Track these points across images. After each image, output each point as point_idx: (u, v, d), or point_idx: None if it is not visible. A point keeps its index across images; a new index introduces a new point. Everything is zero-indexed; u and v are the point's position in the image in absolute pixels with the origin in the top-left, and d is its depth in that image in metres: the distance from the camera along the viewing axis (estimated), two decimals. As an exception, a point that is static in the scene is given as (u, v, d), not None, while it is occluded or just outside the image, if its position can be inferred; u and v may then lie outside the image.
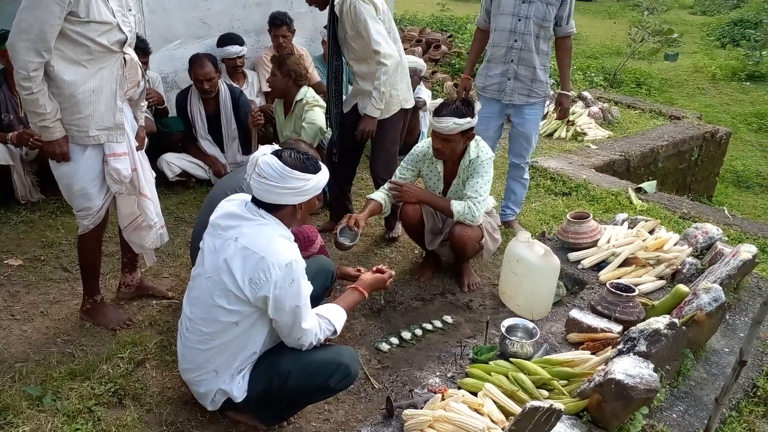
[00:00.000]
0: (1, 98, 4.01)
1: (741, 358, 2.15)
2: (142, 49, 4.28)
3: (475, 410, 2.38)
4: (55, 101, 2.54)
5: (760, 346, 3.11)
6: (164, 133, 4.58)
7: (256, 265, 2.08)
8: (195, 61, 4.49)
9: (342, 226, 3.24)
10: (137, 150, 2.90)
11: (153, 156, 4.48)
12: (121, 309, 3.14)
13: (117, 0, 2.63)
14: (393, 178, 3.60)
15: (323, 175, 2.22)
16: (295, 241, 2.26)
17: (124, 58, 2.67)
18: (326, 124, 4.10)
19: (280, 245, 2.13)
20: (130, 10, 2.72)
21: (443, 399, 2.45)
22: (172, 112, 4.80)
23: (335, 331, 2.33)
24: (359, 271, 3.03)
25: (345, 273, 3.08)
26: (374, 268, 2.71)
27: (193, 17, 5.03)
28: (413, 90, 5.34)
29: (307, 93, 4.29)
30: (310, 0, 3.70)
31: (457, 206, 3.35)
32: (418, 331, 3.19)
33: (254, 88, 5.20)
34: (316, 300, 2.53)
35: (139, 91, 2.88)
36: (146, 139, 3.11)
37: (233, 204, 2.28)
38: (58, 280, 3.35)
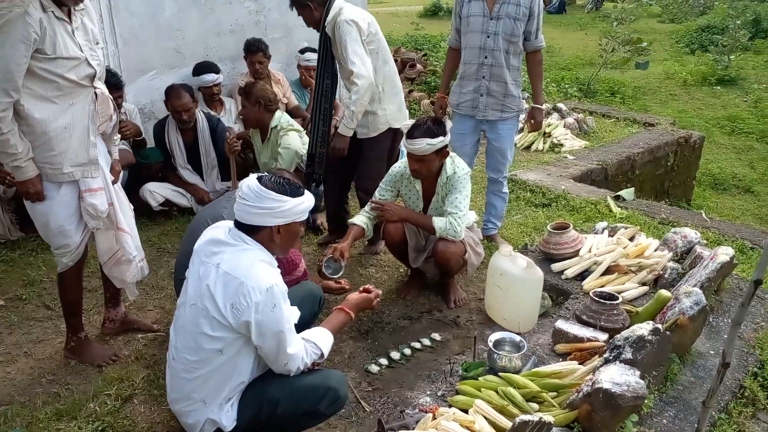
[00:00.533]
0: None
1: (724, 361, 2.18)
2: (114, 83, 4.28)
3: (467, 428, 2.38)
4: (26, 140, 2.51)
5: (744, 347, 3.15)
6: (143, 164, 4.57)
7: (237, 290, 2.09)
8: (171, 92, 4.50)
9: (327, 257, 3.26)
10: (113, 184, 2.88)
11: (134, 187, 4.48)
12: (106, 344, 3.11)
13: (84, 34, 2.62)
14: (373, 198, 3.62)
15: (303, 201, 2.22)
16: (279, 266, 2.27)
17: (95, 92, 2.66)
18: (304, 147, 4.14)
19: (260, 270, 2.13)
20: (97, 43, 2.70)
21: (434, 418, 2.45)
22: (150, 142, 4.80)
23: (322, 355, 2.32)
24: (339, 283, 3.03)
25: (326, 286, 3.07)
26: (361, 288, 2.71)
27: (167, 47, 5.06)
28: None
29: (281, 118, 4.31)
30: (308, 21, 3.79)
31: (438, 222, 3.38)
32: (407, 351, 3.19)
33: (232, 115, 5.23)
34: (304, 325, 2.52)
35: (111, 125, 2.86)
36: (121, 172, 3.07)
37: (218, 230, 2.30)
38: (41, 318, 3.31)
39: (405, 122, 3.97)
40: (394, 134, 4.00)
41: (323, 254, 3.29)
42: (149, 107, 5.13)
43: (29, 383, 2.81)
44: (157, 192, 4.48)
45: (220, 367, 2.20)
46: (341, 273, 3.27)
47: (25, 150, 2.51)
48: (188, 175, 4.70)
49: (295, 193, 2.21)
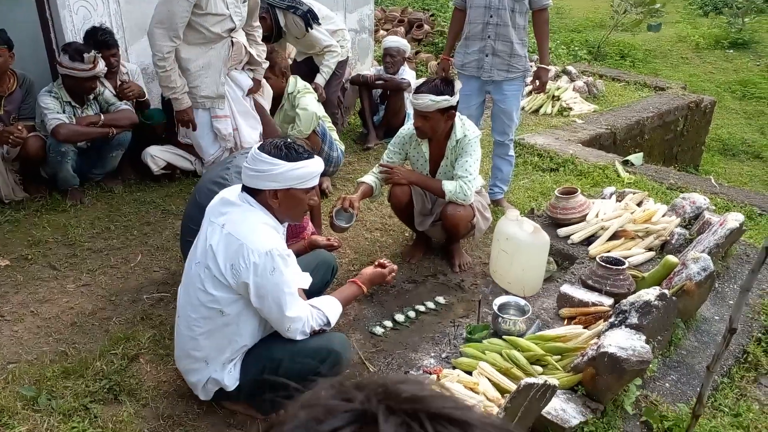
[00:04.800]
0: (-23, 98, 3.95)
1: (731, 326, 2.17)
2: (105, 41, 4.20)
3: (471, 389, 2.40)
4: (183, 78, 3.26)
5: (749, 313, 3.14)
6: (147, 125, 4.52)
7: (237, 251, 2.10)
8: None
9: (337, 209, 3.25)
10: (252, 93, 3.65)
11: (137, 149, 4.44)
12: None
13: None
14: (381, 161, 3.59)
15: (299, 166, 2.15)
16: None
17: (231, 41, 3.35)
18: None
19: (261, 233, 2.13)
20: (244, 2, 3.33)
21: (438, 380, 2.47)
22: (155, 103, 4.74)
23: (328, 323, 2.32)
24: (328, 239, 3.00)
25: (314, 242, 2.98)
26: (376, 262, 2.69)
27: (170, 6, 4.95)
28: (397, 71, 5.34)
29: (297, 83, 4.24)
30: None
31: (448, 186, 3.34)
32: (412, 313, 3.20)
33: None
34: (316, 293, 2.53)
35: (241, 65, 3.62)
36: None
37: (230, 191, 2.31)
38: (47, 278, 3.32)
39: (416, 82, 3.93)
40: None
41: (333, 206, 3.27)
42: (152, 68, 5.03)
43: (36, 342, 2.84)
44: (158, 156, 4.43)
45: (221, 328, 2.21)
46: (353, 222, 3.26)
47: (182, 85, 3.31)
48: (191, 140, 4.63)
49: (292, 158, 2.15)
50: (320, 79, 4.73)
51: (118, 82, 4.41)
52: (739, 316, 2.15)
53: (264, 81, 4.00)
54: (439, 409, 0.49)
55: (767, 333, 3.05)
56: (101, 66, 4.04)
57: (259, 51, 3.83)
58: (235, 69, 3.61)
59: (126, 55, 4.75)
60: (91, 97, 4.17)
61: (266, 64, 3.92)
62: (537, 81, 4.14)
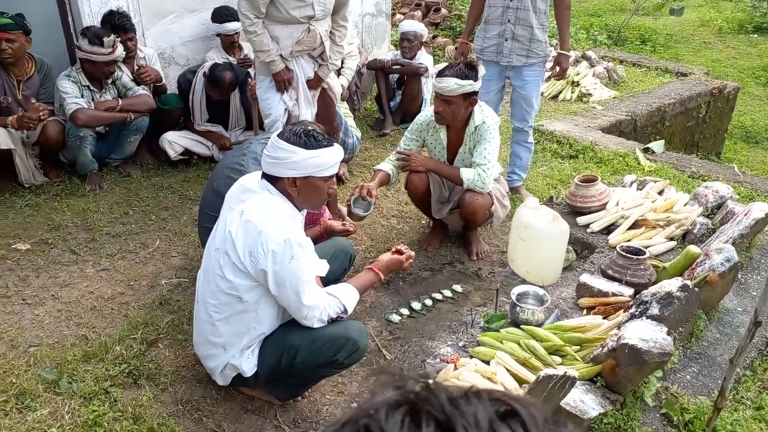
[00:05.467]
0: (-3, 82, 3.97)
1: (756, 319, 2.13)
2: (122, 25, 4.19)
3: (488, 379, 2.39)
4: (275, 42, 3.48)
5: (772, 304, 3.08)
6: (164, 110, 4.52)
7: (255, 238, 2.10)
8: (212, 84, 4.35)
9: (355, 197, 3.23)
10: (310, 87, 3.78)
11: (155, 134, 4.45)
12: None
13: None
14: (398, 148, 3.56)
15: (317, 154, 2.13)
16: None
17: (309, 27, 3.51)
18: None
19: (280, 221, 2.13)
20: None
21: (456, 369, 2.46)
22: (171, 88, 4.74)
23: (345, 310, 2.31)
24: (344, 224, 3.00)
25: (329, 228, 2.99)
26: (393, 249, 2.66)
27: (186, -11, 4.93)
28: (414, 56, 5.29)
29: None
30: None
31: (466, 174, 3.31)
32: (428, 302, 3.19)
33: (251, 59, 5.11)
34: (334, 280, 2.52)
35: (317, 52, 3.71)
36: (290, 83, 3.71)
37: (250, 178, 2.30)
38: (67, 262, 3.35)
39: (435, 67, 3.90)
40: None
41: (350, 194, 3.25)
42: (169, 52, 5.04)
43: (57, 326, 2.87)
44: (175, 142, 4.43)
45: (239, 314, 2.21)
46: (370, 210, 3.26)
47: (274, 49, 3.50)
48: (208, 126, 4.63)
49: (311, 146, 2.13)
50: (344, 81, 4.67)
51: (135, 67, 4.41)
52: (765, 309, 2.11)
53: (336, 83, 4.01)
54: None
55: (791, 325, 2.99)
56: (120, 50, 4.04)
57: (335, 51, 3.80)
58: (308, 54, 3.69)
59: (143, 40, 4.75)
60: (109, 81, 4.18)
61: (335, 66, 3.93)
62: (557, 67, 4.07)
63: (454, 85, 3.13)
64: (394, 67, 5.30)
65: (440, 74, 3.20)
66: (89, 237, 3.59)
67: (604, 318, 2.77)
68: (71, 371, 2.55)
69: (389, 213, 4.07)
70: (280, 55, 3.55)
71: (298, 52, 3.60)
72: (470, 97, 3.22)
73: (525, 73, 3.95)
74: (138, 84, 4.33)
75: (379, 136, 5.26)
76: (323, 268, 2.42)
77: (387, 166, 3.48)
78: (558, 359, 2.53)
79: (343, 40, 3.86)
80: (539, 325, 2.77)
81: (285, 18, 3.46)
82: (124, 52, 4.14)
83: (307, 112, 3.81)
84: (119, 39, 4.08)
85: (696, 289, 2.67)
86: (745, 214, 3.22)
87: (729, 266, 2.76)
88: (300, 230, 2.23)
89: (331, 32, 3.75)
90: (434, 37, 7.56)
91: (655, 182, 3.91)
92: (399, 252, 2.63)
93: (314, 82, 3.81)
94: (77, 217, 3.77)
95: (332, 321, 2.31)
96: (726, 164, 5.84)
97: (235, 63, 4.72)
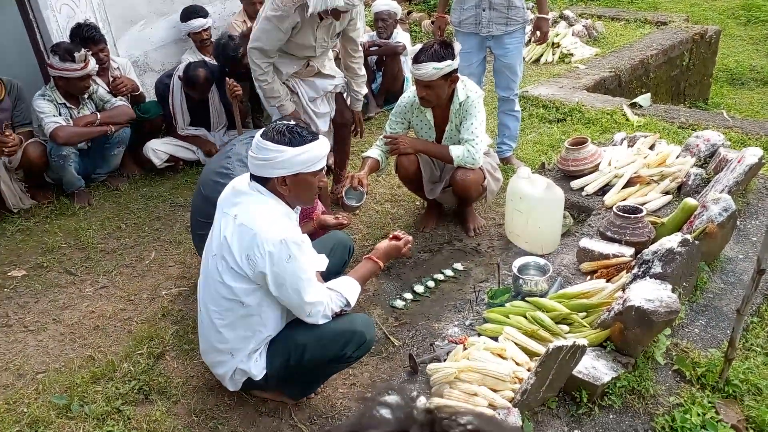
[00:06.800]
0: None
1: (759, 267, 2.12)
2: (91, 37, 4.11)
3: (498, 355, 2.38)
4: (284, 87, 3.53)
5: (774, 248, 3.08)
6: (145, 119, 4.47)
7: (251, 241, 2.08)
8: (188, 83, 4.30)
9: (347, 188, 3.21)
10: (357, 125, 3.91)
11: (138, 143, 4.40)
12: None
13: (325, 31, 3.42)
14: (384, 132, 3.52)
15: (304, 150, 2.11)
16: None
17: (308, 62, 3.56)
18: None
19: (274, 221, 2.10)
20: (337, 35, 3.54)
21: (465, 348, 2.45)
22: (150, 96, 4.67)
23: (348, 303, 2.30)
24: (337, 218, 2.97)
25: (323, 222, 2.96)
26: (391, 235, 2.63)
27: (153, -7, 4.84)
28: (391, 35, 5.21)
29: None
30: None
31: (456, 151, 3.27)
32: (431, 283, 3.17)
33: (228, 58, 5.04)
34: (334, 274, 2.50)
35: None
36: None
37: (240, 180, 2.28)
38: (65, 284, 3.33)
39: (412, 48, 3.84)
40: None
41: (341, 186, 3.22)
42: (143, 59, 4.98)
43: (62, 349, 2.85)
44: (159, 150, 4.38)
45: (243, 319, 2.20)
46: (363, 200, 3.23)
47: (285, 93, 3.54)
48: (191, 131, 4.57)
49: (297, 143, 2.10)
50: (358, 106, 4.19)
51: (110, 78, 4.34)
52: (767, 256, 2.10)
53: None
54: None
55: (794, 267, 2.98)
56: (93, 64, 3.97)
57: (359, 83, 3.83)
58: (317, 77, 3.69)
59: (115, 50, 4.68)
60: (86, 96, 4.11)
61: (363, 100, 3.91)
62: (537, 32, 4.01)
63: (432, 69, 3.07)
64: (371, 48, 5.23)
65: (416, 60, 3.13)
66: (84, 256, 3.56)
67: (608, 281, 2.76)
68: (81, 394, 2.54)
69: (382, 198, 4.04)
70: (289, 99, 3.58)
71: (295, 75, 3.61)
72: (451, 76, 3.17)
73: (506, 42, 3.90)
74: (115, 95, 4.26)
75: (365, 120, 5.19)
76: (322, 263, 2.40)
77: (375, 152, 3.44)
78: (566, 328, 2.53)
79: (362, 69, 3.85)
80: (543, 295, 2.76)
81: (286, 54, 3.49)
82: (97, 65, 4.07)
83: (323, 124, 3.77)
84: (90, 52, 4.00)
85: (696, 242, 2.66)
86: (739, 161, 3.20)
87: (727, 215, 2.75)
88: (295, 228, 2.21)
89: (347, 65, 3.77)
90: (409, 13, 7.45)
91: (645, 137, 3.88)
92: (396, 238, 2.60)
93: (357, 120, 3.90)
94: (70, 237, 3.74)
95: (337, 315, 2.30)
96: (715, 111, 5.81)
97: (209, 61, 4.65)
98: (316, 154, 2.15)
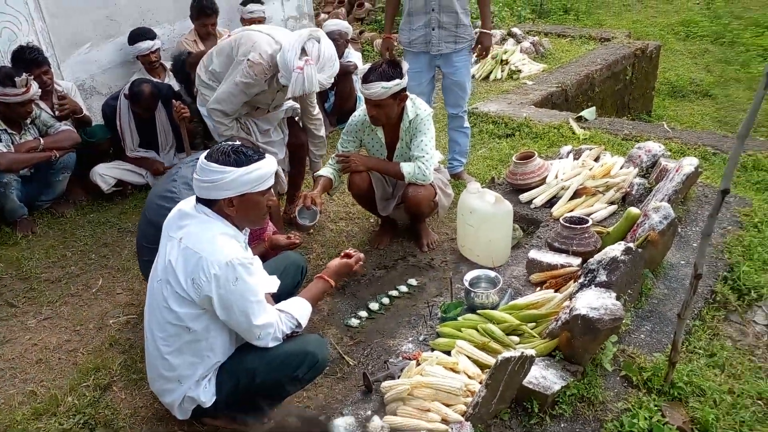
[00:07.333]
0: None
1: (696, 272, 2.20)
2: (33, 59, 4.02)
3: (451, 369, 2.39)
4: (236, 122, 3.54)
5: (713, 253, 3.19)
6: (91, 143, 4.37)
7: (196, 264, 2.04)
8: (133, 101, 4.27)
9: (300, 207, 3.19)
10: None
11: (84, 169, 4.29)
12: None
13: (285, 94, 3.39)
14: (336, 151, 3.53)
15: (251, 170, 2.09)
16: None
17: (269, 110, 3.63)
18: None
19: (219, 244, 2.07)
20: (295, 100, 3.64)
21: (418, 364, 2.46)
22: (96, 120, 4.58)
23: (299, 325, 2.27)
24: (289, 238, 2.95)
25: (274, 242, 2.94)
26: (342, 253, 2.63)
27: (99, 16, 4.77)
28: (342, 54, 5.25)
29: None
30: None
31: (407, 168, 3.30)
32: (385, 300, 3.17)
33: (177, 79, 4.98)
34: (287, 295, 2.47)
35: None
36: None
37: (186, 203, 2.24)
38: (5, 317, 3.20)
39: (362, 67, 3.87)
40: None
41: (294, 205, 3.21)
42: (89, 82, 4.88)
43: (2, 385, 2.73)
44: (107, 174, 4.29)
45: (190, 344, 2.15)
46: (317, 219, 3.22)
47: (236, 130, 3.53)
48: (141, 153, 4.50)
49: (242, 162, 2.09)
50: (316, 168, 4.07)
51: (54, 102, 4.24)
52: (703, 261, 2.18)
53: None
54: None
55: (732, 270, 3.10)
56: (35, 88, 3.87)
57: (317, 144, 3.90)
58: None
59: (59, 73, 4.58)
60: (28, 121, 4.00)
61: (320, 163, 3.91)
62: (479, 46, 4.08)
63: (380, 89, 3.11)
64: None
65: (365, 80, 3.16)
66: (26, 287, 3.44)
67: (556, 291, 2.81)
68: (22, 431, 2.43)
69: (336, 216, 4.04)
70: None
71: (247, 114, 3.61)
72: (400, 95, 3.21)
73: (454, 59, 3.97)
74: (59, 119, 4.16)
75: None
76: (273, 284, 2.37)
77: (328, 170, 3.45)
78: (516, 339, 2.56)
79: (321, 130, 3.90)
80: (495, 307, 2.80)
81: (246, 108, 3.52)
82: (40, 89, 3.97)
83: (280, 152, 3.75)
84: (33, 76, 3.91)
85: (639, 249, 2.74)
86: (677, 170, 3.32)
87: (667, 223, 2.84)
88: (242, 250, 2.18)
89: (305, 124, 3.83)
90: (361, 32, 7.53)
91: (590, 150, 3.99)
92: (348, 255, 2.60)
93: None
94: (11, 268, 3.61)
95: (289, 337, 2.28)
96: (656, 122, 6.02)
97: (167, 84, 4.59)
98: (263, 173, 2.14)
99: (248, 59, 3.24)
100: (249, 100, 3.42)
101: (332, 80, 3.31)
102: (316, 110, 3.83)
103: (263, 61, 3.24)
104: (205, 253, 2.05)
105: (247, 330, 2.15)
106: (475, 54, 4.14)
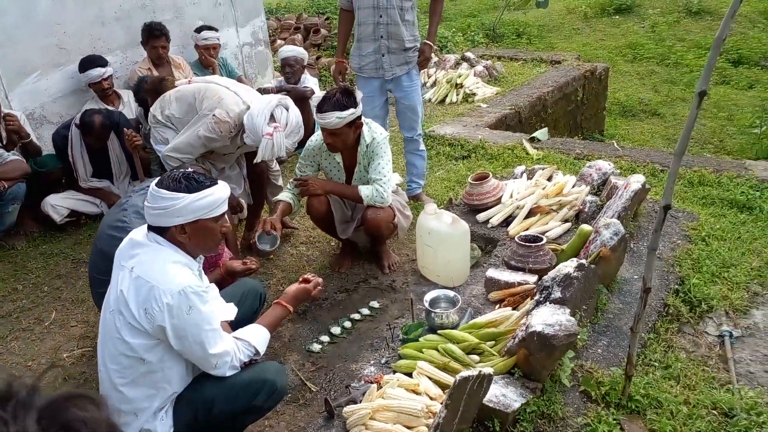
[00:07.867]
0: None
1: (645, 286, 2.27)
2: None
3: (412, 391, 2.40)
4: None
5: (664, 267, 3.30)
6: (42, 173, 4.27)
7: (148, 294, 2.00)
8: (84, 131, 4.22)
9: (259, 233, 3.18)
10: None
11: (35, 200, 4.18)
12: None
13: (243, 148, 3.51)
14: (294, 175, 3.54)
15: (203, 196, 2.07)
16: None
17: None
18: None
19: (171, 272, 2.04)
20: (245, 153, 3.66)
21: (380, 387, 2.45)
22: (47, 149, 4.48)
23: (257, 352, 2.25)
24: (245, 263, 2.92)
25: (230, 269, 2.88)
26: (301, 278, 2.61)
27: (48, 44, 4.69)
28: (299, 80, 5.28)
29: None
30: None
31: (365, 191, 3.33)
32: (347, 324, 3.17)
33: (132, 107, 4.93)
34: (246, 322, 2.44)
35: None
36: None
37: (138, 232, 2.20)
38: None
39: (317, 95, 3.91)
40: None
41: (254, 231, 3.20)
42: (39, 111, 4.77)
43: (-52, 427, 2.61)
44: (59, 205, 4.19)
45: (145, 376, 2.10)
46: (278, 244, 3.21)
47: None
48: (94, 183, 4.42)
49: (193, 188, 2.07)
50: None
51: (1, 132, 4.13)
52: (651, 275, 2.25)
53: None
54: None
55: (683, 283, 3.21)
56: (-20, 119, 3.78)
57: (273, 192, 3.92)
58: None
59: (7, 103, 4.47)
60: (-26, 152, 3.89)
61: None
62: (420, 56, 4.09)
63: (335, 119, 3.14)
64: (280, 93, 5.26)
65: (320, 110, 3.18)
66: (-26, 323, 3.32)
67: (514, 309, 2.85)
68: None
69: (297, 241, 4.03)
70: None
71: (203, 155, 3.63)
72: (355, 123, 3.25)
73: (404, 84, 4.05)
74: (7, 149, 4.06)
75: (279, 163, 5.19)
76: (231, 312, 2.34)
77: (286, 195, 3.45)
78: (476, 357, 2.58)
79: (279, 180, 3.98)
80: (455, 326, 2.82)
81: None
82: (-14, 119, 3.88)
83: (238, 187, 3.76)
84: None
85: (592, 265, 2.81)
86: (625, 187, 3.43)
87: (618, 239, 2.93)
88: (195, 278, 2.15)
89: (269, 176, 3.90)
90: (318, 58, 7.60)
91: (543, 169, 4.09)
92: (306, 281, 2.59)
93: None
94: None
95: (247, 365, 2.25)
96: (607, 141, 6.21)
97: (118, 112, 4.53)
98: (215, 198, 2.12)
99: (214, 115, 3.24)
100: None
101: (296, 144, 3.39)
102: (275, 164, 3.91)
103: (230, 120, 3.26)
104: (157, 282, 2.01)
105: (203, 359, 2.11)
106: (417, 62, 4.12)
